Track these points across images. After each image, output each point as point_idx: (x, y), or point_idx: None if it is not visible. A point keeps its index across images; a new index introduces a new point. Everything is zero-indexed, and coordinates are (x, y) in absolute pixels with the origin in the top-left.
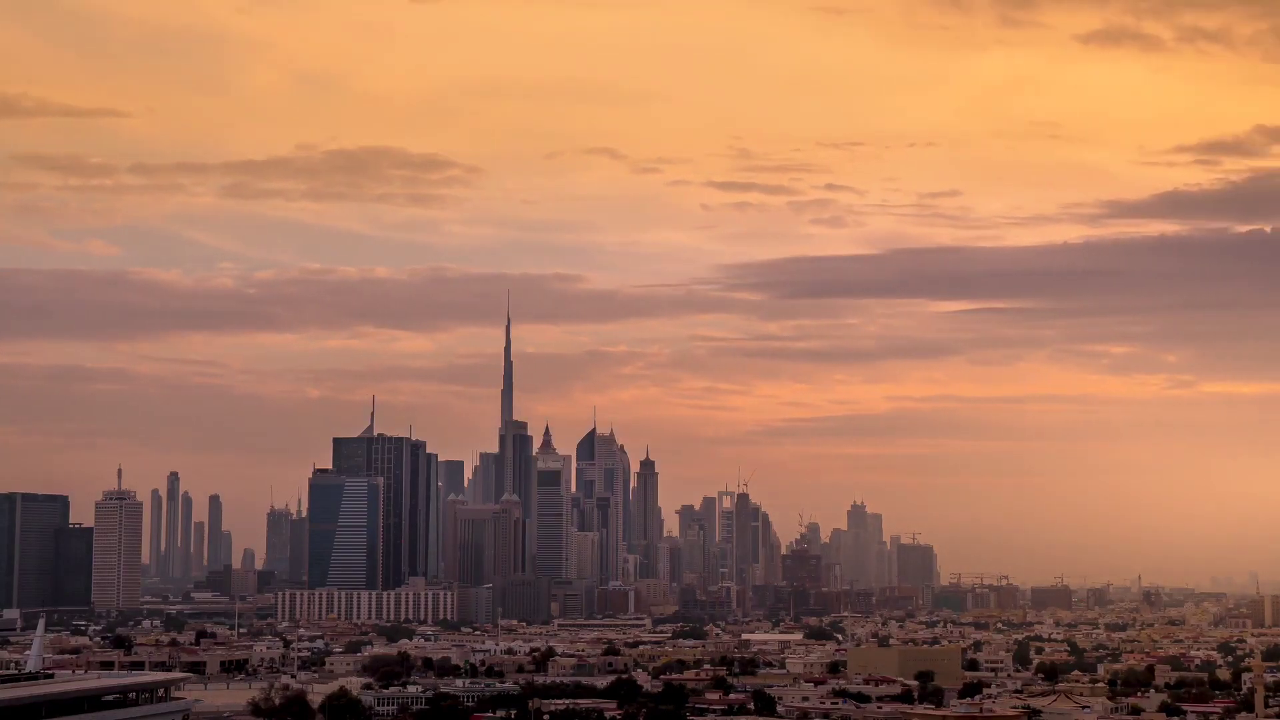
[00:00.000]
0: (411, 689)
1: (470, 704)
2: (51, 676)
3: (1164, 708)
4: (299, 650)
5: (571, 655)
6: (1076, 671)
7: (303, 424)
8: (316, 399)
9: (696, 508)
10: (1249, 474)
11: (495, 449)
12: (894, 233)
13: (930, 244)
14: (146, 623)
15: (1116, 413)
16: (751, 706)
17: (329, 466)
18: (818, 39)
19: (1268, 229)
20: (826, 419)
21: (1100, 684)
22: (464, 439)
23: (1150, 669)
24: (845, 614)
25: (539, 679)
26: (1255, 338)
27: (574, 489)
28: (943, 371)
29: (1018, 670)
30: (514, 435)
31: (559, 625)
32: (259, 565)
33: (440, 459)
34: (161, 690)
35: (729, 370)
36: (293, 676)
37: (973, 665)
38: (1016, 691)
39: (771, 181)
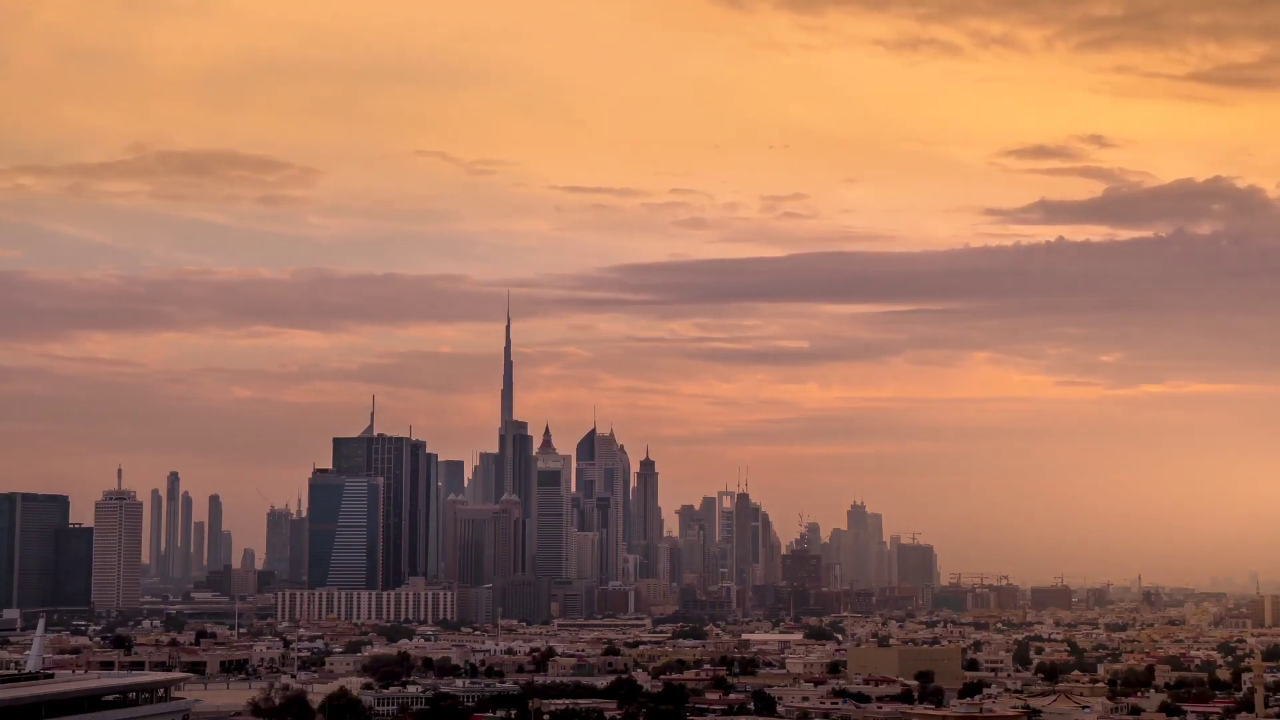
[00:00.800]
0: (411, 689)
1: (470, 704)
2: (51, 676)
3: (1164, 708)
4: (299, 650)
5: (571, 655)
6: (1076, 671)
7: (247, 426)
8: (247, 399)
9: (696, 508)
10: (1245, 474)
11: (495, 449)
12: (770, 234)
13: (817, 248)
14: (146, 623)
15: (1078, 412)
16: (751, 706)
17: (328, 466)
18: (627, 40)
19: (1164, 234)
20: (788, 420)
21: (1100, 684)
22: (463, 439)
23: (1150, 669)
24: (845, 614)
25: (539, 679)
26: (1179, 339)
27: (574, 489)
28: (882, 372)
29: (1018, 670)
30: (514, 435)
31: (559, 625)
32: (259, 565)
33: (440, 459)
34: (161, 690)
35: (652, 371)
36: (293, 676)
37: (973, 665)
38: (1016, 691)
39: (617, 184)
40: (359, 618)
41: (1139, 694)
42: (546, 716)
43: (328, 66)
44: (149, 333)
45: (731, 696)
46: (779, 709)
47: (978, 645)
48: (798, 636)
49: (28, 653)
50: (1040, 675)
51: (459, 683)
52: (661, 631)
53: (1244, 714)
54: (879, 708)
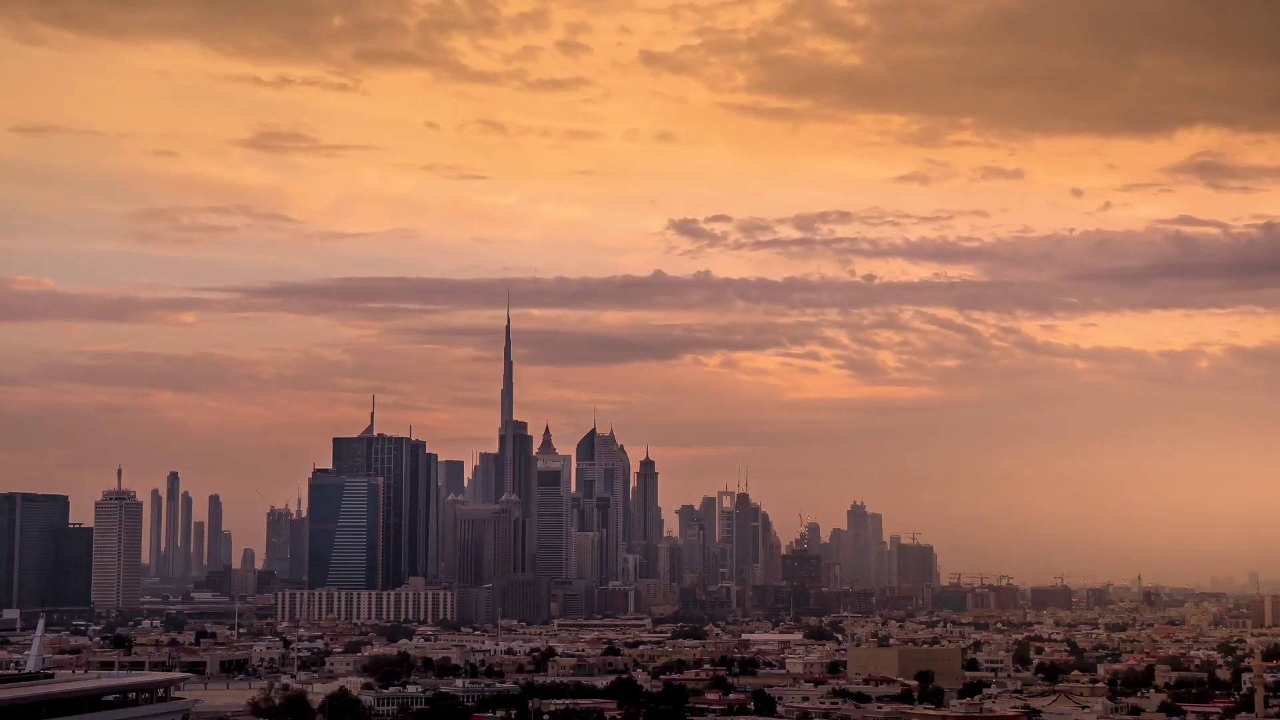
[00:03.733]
0: (411, 689)
1: (470, 704)
2: (51, 676)
3: (1164, 708)
4: (299, 650)
5: (571, 655)
6: (1076, 671)
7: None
8: (37, 405)
9: (696, 508)
10: (1244, 474)
11: (495, 449)
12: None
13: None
14: (146, 623)
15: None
16: (751, 706)
17: (329, 466)
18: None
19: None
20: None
21: (1100, 684)
22: (461, 439)
23: (1150, 669)
24: (845, 614)
25: (539, 679)
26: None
27: (574, 489)
28: (674, 371)
29: (1018, 670)
30: (514, 435)
31: (559, 625)
32: (259, 565)
33: (440, 459)
34: (161, 690)
35: (388, 376)
36: (293, 676)
37: (973, 665)
38: (1016, 691)
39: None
40: (359, 618)
41: (1139, 694)
42: (546, 716)
43: None
44: None
45: (731, 696)
46: (779, 709)
47: (978, 645)
48: (798, 636)
49: (28, 653)
50: (1040, 675)
51: (459, 683)
52: (661, 631)
53: (1244, 714)
54: (879, 708)
